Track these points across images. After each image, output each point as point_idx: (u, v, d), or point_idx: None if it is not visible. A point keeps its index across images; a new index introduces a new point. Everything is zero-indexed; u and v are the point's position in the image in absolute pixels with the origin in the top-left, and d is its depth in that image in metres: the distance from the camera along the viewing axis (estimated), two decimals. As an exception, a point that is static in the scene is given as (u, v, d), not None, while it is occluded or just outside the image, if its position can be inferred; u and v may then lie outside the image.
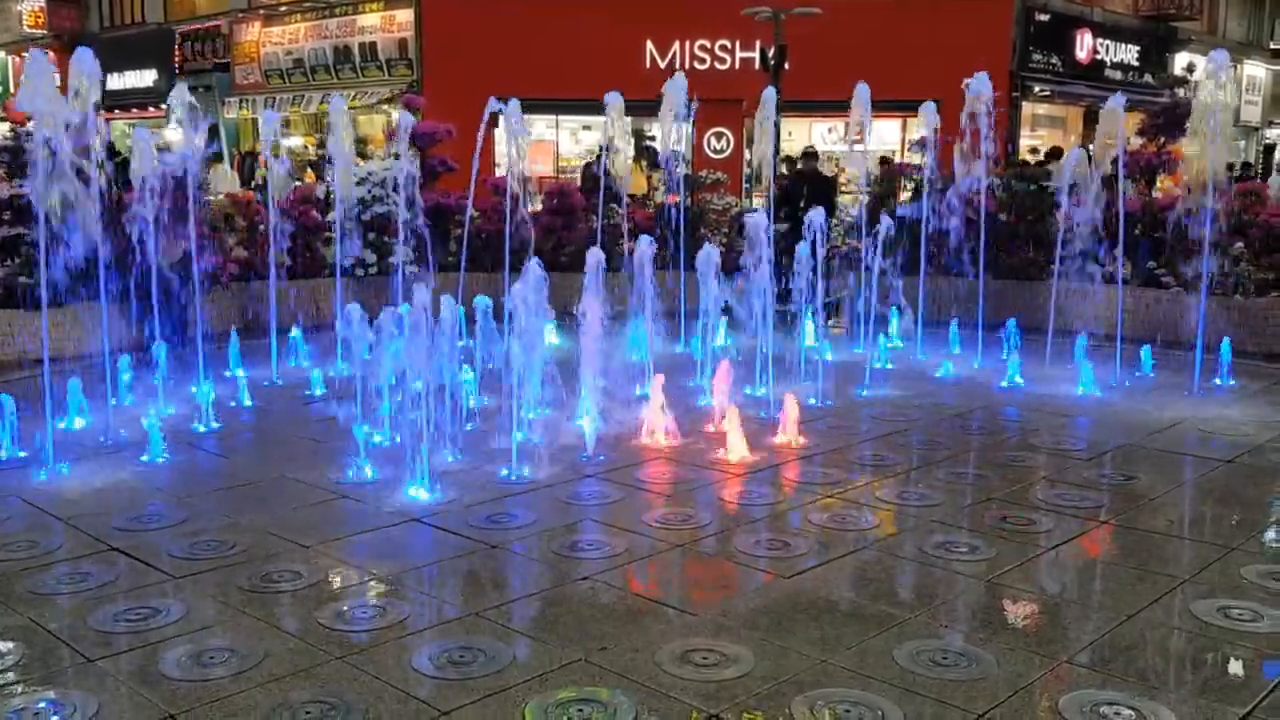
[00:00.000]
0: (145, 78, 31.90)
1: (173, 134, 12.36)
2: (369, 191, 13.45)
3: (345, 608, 4.63)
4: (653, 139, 24.04)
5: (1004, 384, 9.28)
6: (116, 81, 32.22)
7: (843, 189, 21.40)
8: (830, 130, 27.86)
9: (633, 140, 26.46)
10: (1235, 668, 4.22)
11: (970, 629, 4.54)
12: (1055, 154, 20.36)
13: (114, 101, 33.57)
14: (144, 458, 6.88)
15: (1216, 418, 8.10)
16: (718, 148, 26.43)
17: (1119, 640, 4.38)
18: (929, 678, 4.04)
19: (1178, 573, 5.14)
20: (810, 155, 15.88)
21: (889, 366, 10.09)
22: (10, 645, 4.28)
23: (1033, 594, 4.95)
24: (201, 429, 7.76)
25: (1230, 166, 19.38)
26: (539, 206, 15.07)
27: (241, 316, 12.67)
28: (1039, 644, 4.38)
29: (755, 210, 16.15)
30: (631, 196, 17.79)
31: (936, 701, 3.88)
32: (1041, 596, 4.94)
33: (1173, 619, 4.62)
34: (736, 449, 6.91)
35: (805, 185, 14.97)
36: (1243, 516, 6.04)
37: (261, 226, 13.42)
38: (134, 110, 32.09)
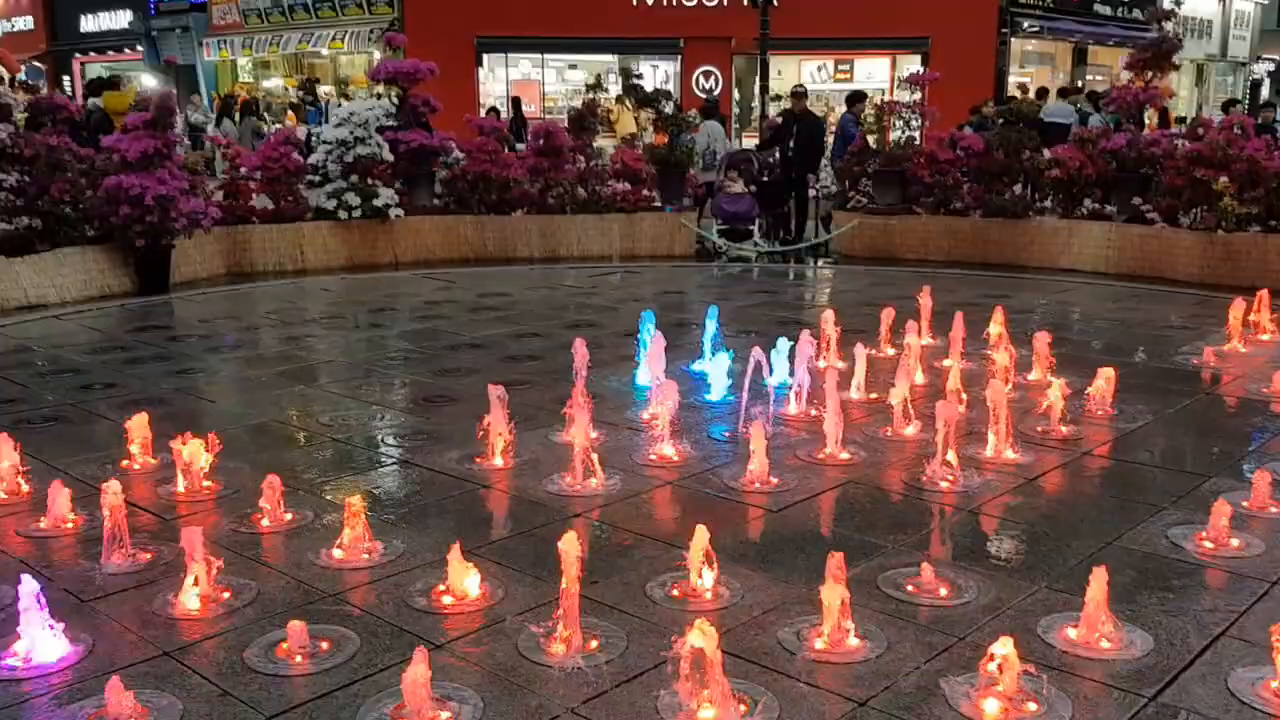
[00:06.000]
0: (120, 19, 31.45)
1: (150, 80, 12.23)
2: (350, 133, 13.32)
3: (342, 547, 4.67)
4: (639, 77, 23.87)
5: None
6: (90, 23, 31.76)
7: (831, 129, 21.29)
8: (820, 68, 27.66)
9: (620, 79, 26.30)
10: (1209, 590, 4.32)
11: (953, 557, 4.62)
12: (1043, 94, 20.33)
13: (89, 44, 33.14)
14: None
15: (1194, 350, 8.18)
16: (706, 87, 26.25)
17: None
18: (912, 604, 4.14)
19: (1156, 501, 5.24)
20: (799, 95, 15.78)
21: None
22: None
23: (1013, 522, 5.05)
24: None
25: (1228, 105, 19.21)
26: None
27: (224, 261, 12.63)
28: (1018, 570, 4.49)
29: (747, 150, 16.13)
30: (623, 139, 17.74)
31: (919, 626, 3.97)
32: (1021, 525, 5.02)
33: (1150, 545, 4.72)
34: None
35: (795, 124, 14.90)
36: (1222, 448, 6.16)
37: (242, 170, 13.34)
38: (109, 53, 31.65)
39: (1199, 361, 7.95)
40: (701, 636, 3.18)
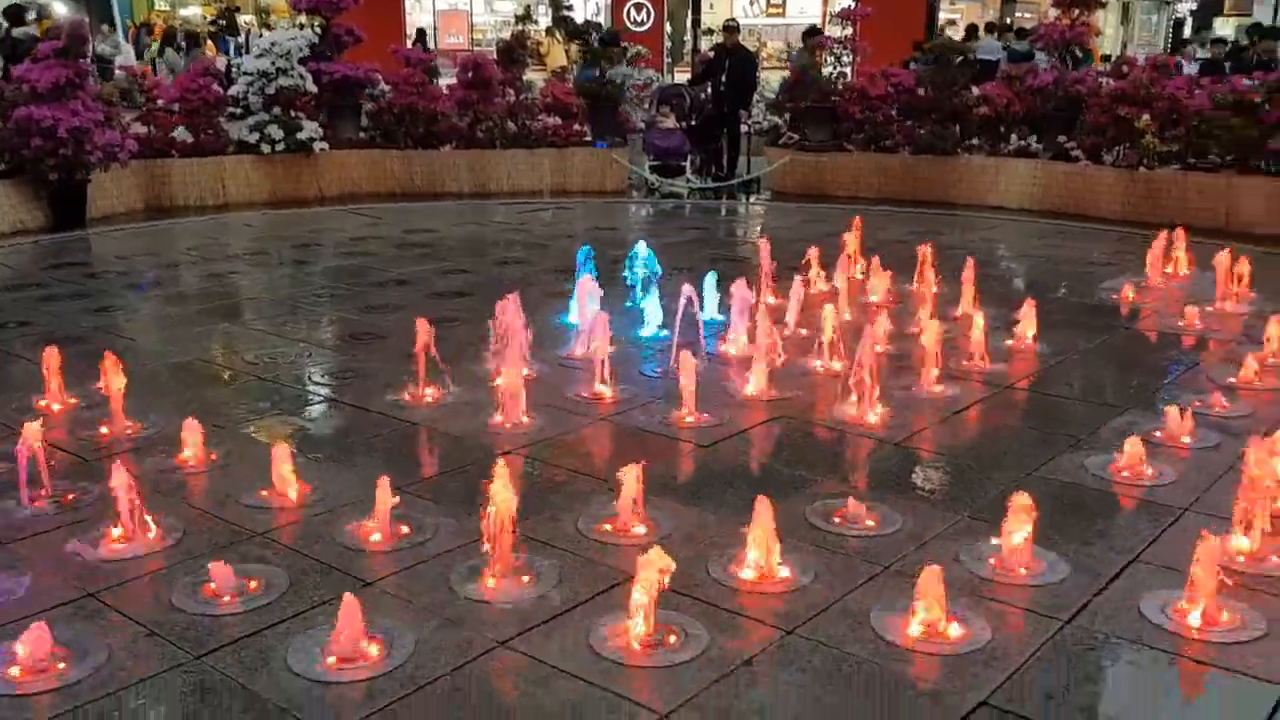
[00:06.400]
0: (28, -58, 30.04)
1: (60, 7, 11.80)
2: (272, 63, 12.97)
3: (263, 487, 4.62)
4: (570, 8, 23.50)
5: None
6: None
7: (764, 64, 21.21)
8: (752, 2, 27.48)
9: (550, 10, 25.89)
10: (1124, 518, 4.45)
11: (879, 489, 4.71)
12: (973, 31, 20.42)
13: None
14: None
15: (1115, 286, 8.36)
16: (638, 19, 25.94)
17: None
18: (840, 535, 4.22)
19: (1075, 433, 5.38)
20: (731, 29, 15.62)
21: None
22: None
23: (937, 454, 5.15)
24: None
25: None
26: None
27: (143, 195, 12.30)
28: (942, 501, 4.59)
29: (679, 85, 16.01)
30: (553, 72, 17.48)
31: (846, 556, 4.05)
32: (945, 457, 5.13)
33: (1067, 475, 4.85)
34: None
35: (727, 59, 14.79)
36: (1139, 381, 6.34)
37: (160, 101, 12.96)
38: (18, -23, 30.30)
39: (1119, 297, 8.13)
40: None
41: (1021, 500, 3.85)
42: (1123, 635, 3.55)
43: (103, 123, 10.84)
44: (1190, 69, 14.80)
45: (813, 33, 16.08)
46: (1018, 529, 3.87)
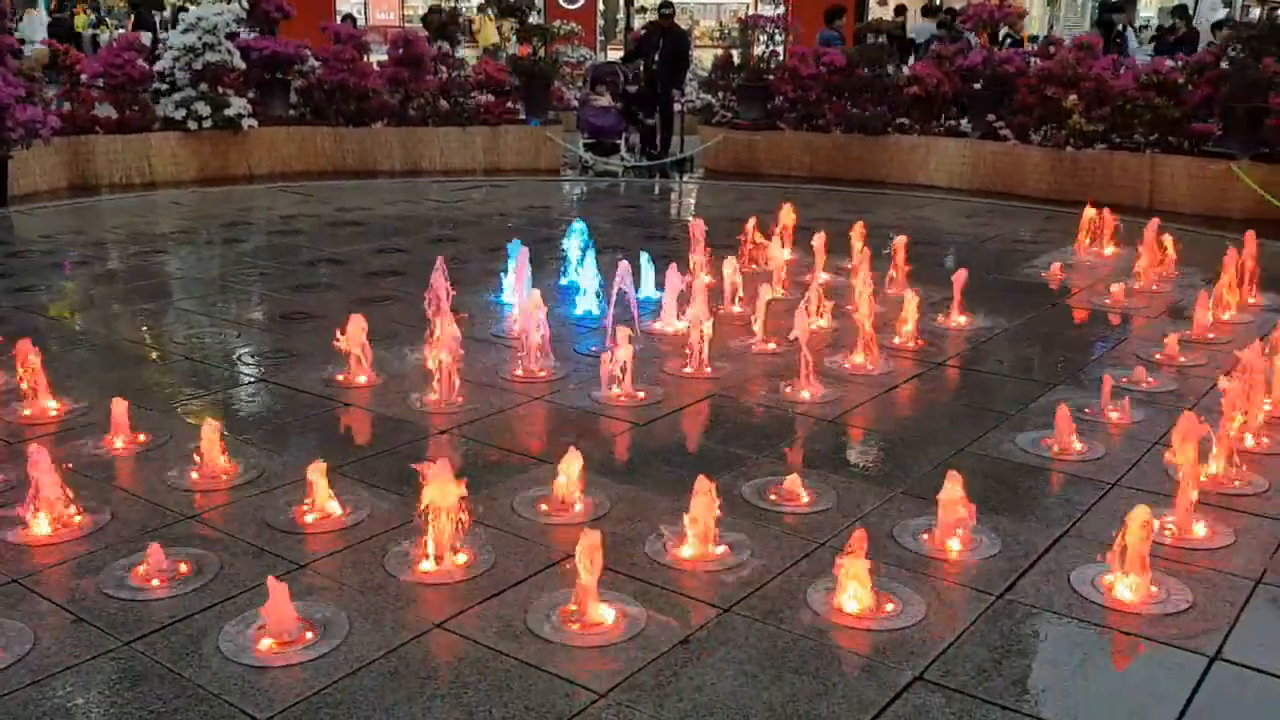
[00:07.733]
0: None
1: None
2: (199, 39, 12.66)
3: (193, 469, 4.53)
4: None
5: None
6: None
7: (697, 42, 21.14)
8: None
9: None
10: (1053, 493, 4.54)
11: (814, 466, 4.75)
12: (901, 11, 20.56)
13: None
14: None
15: (1043, 263, 8.51)
16: (570, -4, 25.70)
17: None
18: (775, 512, 4.25)
19: (1005, 409, 5.47)
20: (666, 14, 15.51)
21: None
22: None
23: (871, 431, 5.21)
24: None
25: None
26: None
27: (66, 173, 11.97)
28: (875, 477, 4.65)
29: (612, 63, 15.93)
30: (485, 50, 17.26)
31: (781, 533, 4.08)
32: (878, 434, 5.19)
33: (998, 451, 4.93)
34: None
35: (660, 38, 14.72)
36: (1066, 357, 6.45)
37: (83, 77, 12.60)
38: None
39: (1046, 274, 8.26)
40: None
41: (955, 480, 3.89)
42: (1053, 608, 3.62)
43: (24, 98, 10.52)
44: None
45: (837, 14, 16.08)
46: (951, 505, 3.93)
